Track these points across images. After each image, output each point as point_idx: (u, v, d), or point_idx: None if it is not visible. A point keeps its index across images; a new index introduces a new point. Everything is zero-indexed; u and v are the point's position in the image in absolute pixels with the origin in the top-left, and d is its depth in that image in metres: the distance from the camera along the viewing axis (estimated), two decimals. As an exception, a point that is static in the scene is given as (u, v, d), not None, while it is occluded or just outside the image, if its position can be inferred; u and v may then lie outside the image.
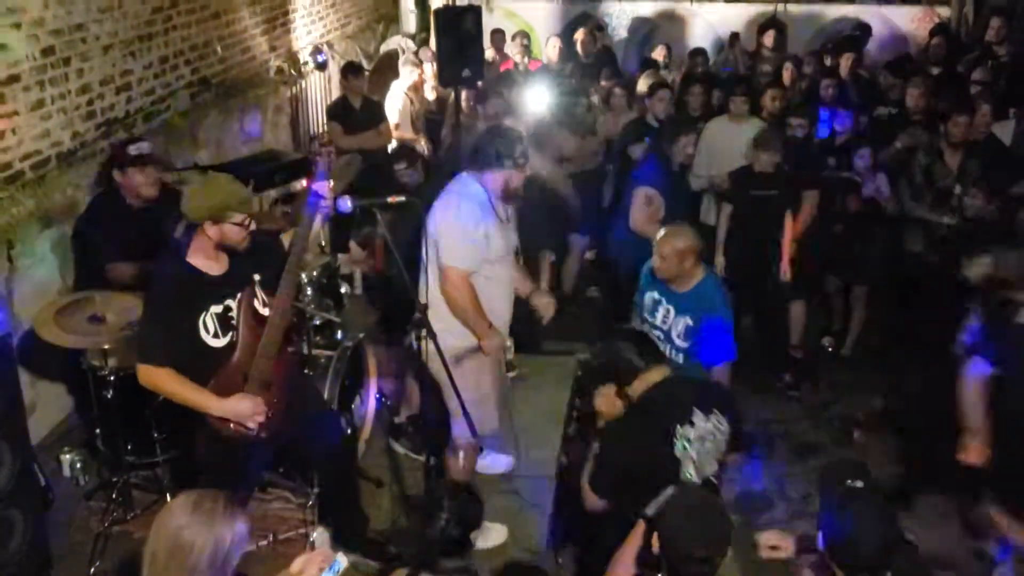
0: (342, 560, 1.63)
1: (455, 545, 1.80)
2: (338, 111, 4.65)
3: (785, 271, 3.68)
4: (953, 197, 3.60)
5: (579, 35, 5.61)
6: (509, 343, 2.61)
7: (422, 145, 4.92)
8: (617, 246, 3.76)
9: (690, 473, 1.92)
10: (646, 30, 6.56)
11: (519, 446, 2.90)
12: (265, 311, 2.18)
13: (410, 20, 6.75)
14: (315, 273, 2.99)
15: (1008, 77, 4.78)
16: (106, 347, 2.51)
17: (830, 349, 4.09)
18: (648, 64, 5.54)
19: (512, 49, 5.62)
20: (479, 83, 4.58)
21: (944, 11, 6.06)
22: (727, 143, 4.04)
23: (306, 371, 2.76)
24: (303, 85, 5.19)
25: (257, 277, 2.19)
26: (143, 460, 2.65)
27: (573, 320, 4.34)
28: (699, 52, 5.43)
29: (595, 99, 4.58)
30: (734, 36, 5.82)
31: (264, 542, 2.50)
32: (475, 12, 4.51)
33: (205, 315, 2.10)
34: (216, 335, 2.11)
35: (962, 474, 2.44)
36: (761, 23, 5.84)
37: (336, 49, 5.62)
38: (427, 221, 2.40)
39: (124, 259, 2.80)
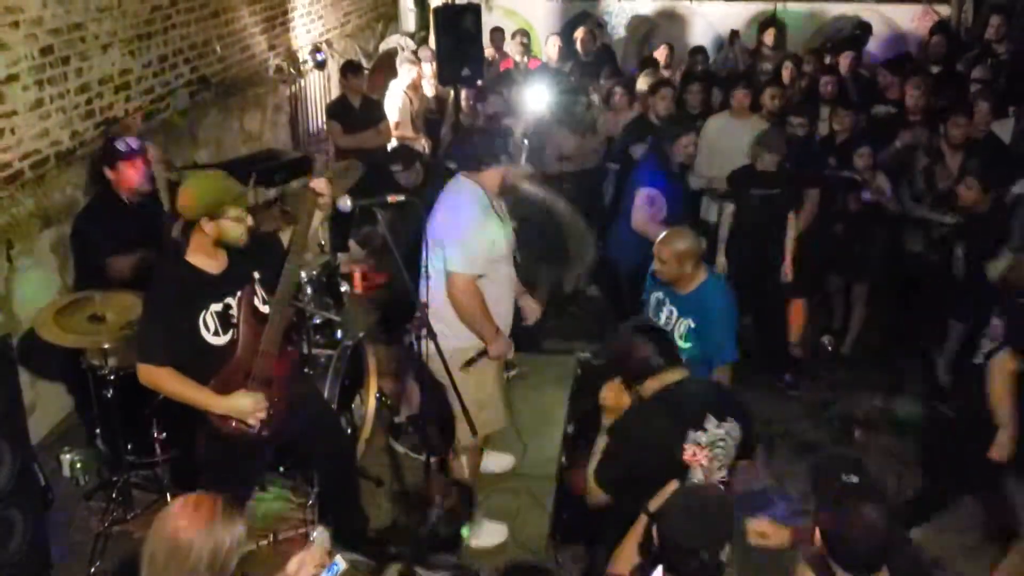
0: (341, 562, 1.63)
1: (445, 542, 1.81)
2: (337, 110, 4.65)
3: (787, 272, 3.68)
4: (954, 197, 3.61)
5: (579, 33, 5.61)
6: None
7: (422, 144, 4.92)
8: (618, 245, 3.76)
9: (699, 478, 1.92)
10: (646, 29, 6.55)
11: (524, 443, 2.90)
12: (265, 309, 2.18)
13: (409, 19, 6.75)
14: (315, 272, 2.99)
15: (1008, 75, 4.78)
16: (106, 346, 2.50)
17: (830, 348, 4.09)
18: (648, 63, 5.54)
19: (511, 48, 5.61)
20: (479, 82, 4.58)
21: (944, 9, 6.05)
22: (728, 141, 4.04)
23: (306, 370, 2.76)
24: (302, 84, 5.18)
25: (257, 275, 2.18)
26: (143, 460, 2.65)
27: (573, 319, 4.35)
28: (699, 50, 5.43)
29: (595, 98, 4.58)
30: (734, 34, 5.82)
31: (264, 542, 2.50)
32: (474, 10, 4.51)
33: (205, 313, 2.10)
34: (216, 333, 2.11)
35: (991, 471, 2.43)
36: (761, 21, 5.84)
37: (335, 48, 5.61)
38: (428, 225, 2.38)
39: (123, 254, 2.79)
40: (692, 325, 2.58)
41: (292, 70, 5.02)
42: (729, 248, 3.71)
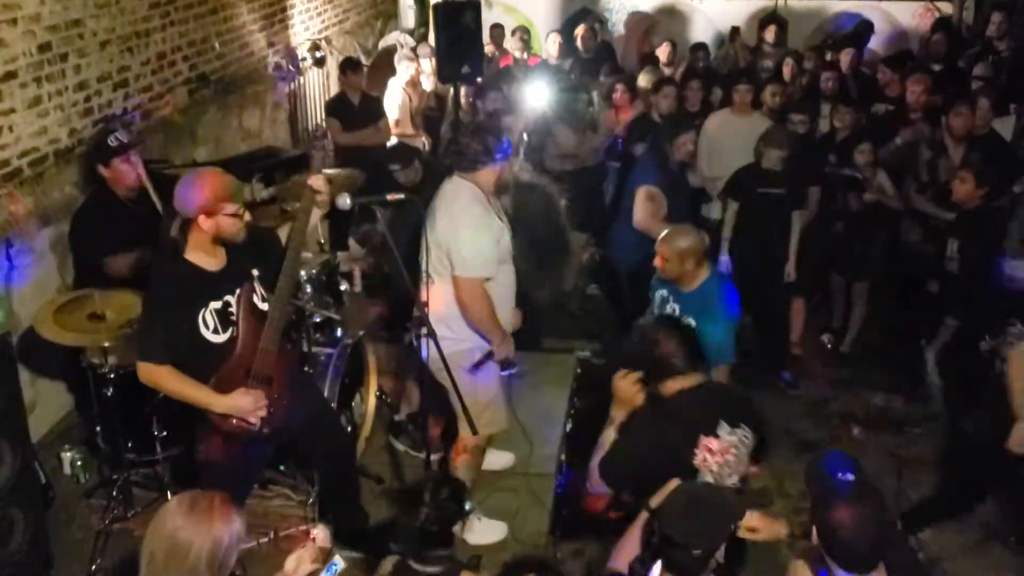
0: (340, 562, 1.63)
1: (437, 538, 1.81)
2: (337, 107, 4.64)
3: (790, 272, 3.68)
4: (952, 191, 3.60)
5: (580, 30, 5.59)
6: None
7: (421, 141, 4.91)
8: (618, 245, 3.76)
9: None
10: (646, 26, 6.53)
11: (531, 440, 2.89)
12: (264, 306, 2.18)
13: (409, 15, 6.72)
14: (315, 271, 2.98)
15: (1009, 72, 4.77)
16: (106, 345, 2.50)
17: (829, 346, 4.09)
18: (648, 60, 5.52)
19: (511, 44, 5.59)
20: (478, 79, 4.56)
21: (945, 6, 6.03)
22: (729, 138, 4.03)
23: (306, 368, 2.76)
24: (301, 81, 5.16)
25: (256, 272, 2.18)
26: (143, 458, 2.65)
27: (573, 318, 4.35)
28: (700, 47, 5.41)
29: (595, 95, 4.57)
30: (734, 31, 5.80)
31: (264, 540, 2.50)
32: (474, 7, 4.48)
33: (205, 311, 2.10)
34: (216, 331, 2.11)
35: (1010, 465, 2.43)
36: (762, 18, 5.82)
37: (334, 45, 5.59)
38: (429, 227, 2.36)
39: (121, 253, 2.78)
40: (693, 323, 2.57)
41: (291, 67, 5.01)
42: (732, 247, 3.70)
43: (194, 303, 2.09)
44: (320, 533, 1.75)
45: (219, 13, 4.26)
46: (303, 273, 2.89)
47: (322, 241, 3.18)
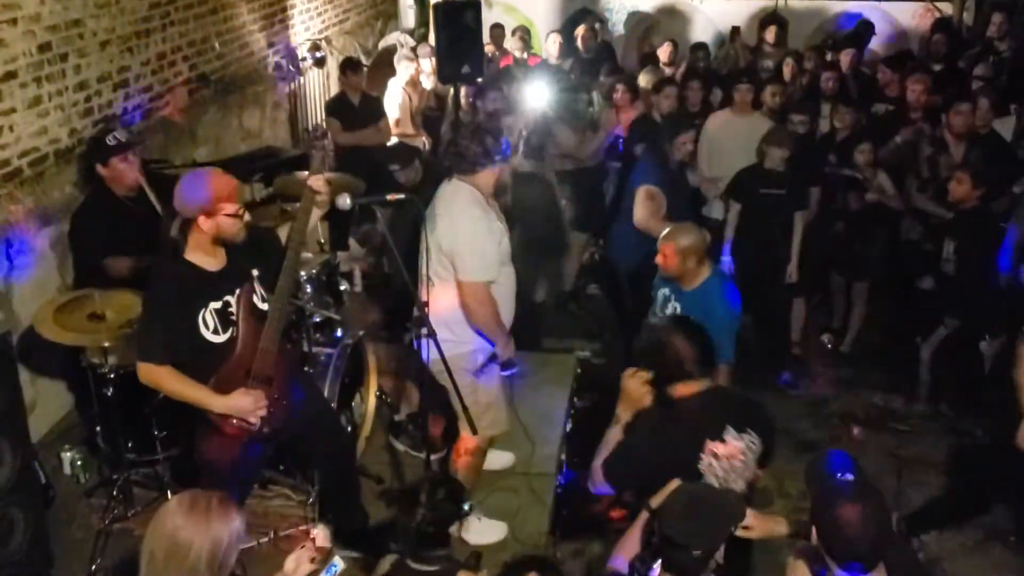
0: (339, 563, 1.63)
1: (432, 539, 1.81)
2: (337, 107, 4.63)
3: (792, 272, 3.67)
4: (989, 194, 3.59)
5: (580, 30, 5.59)
6: None
7: (422, 141, 4.91)
8: (618, 245, 3.76)
9: None
10: (646, 25, 6.53)
11: (532, 440, 2.89)
12: (264, 306, 2.18)
13: (409, 15, 6.72)
14: (315, 270, 2.98)
15: (1009, 73, 4.77)
16: (106, 345, 2.50)
17: (829, 346, 4.10)
18: (648, 60, 5.51)
19: (511, 44, 5.59)
20: (479, 79, 4.57)
21: (945, 7, 6.03)
22: (730, 138, 4.03)
23: (306, 368, 2.76)
24: (301, 81, 5.16)
25: (255, 272, 2.18)
26: (144, 457, 2.65)
27: (573, 318, 4.36)
28: (700, 47, 5.41)
29: (596, 95, 4.57)
30: (735, 31, 5.80)
31: (265, 539, 2.50)
32: (475, 7, 4.48)
33: (205, 311, 2.09)
34: (216, 331, 2.11)
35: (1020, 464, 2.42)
36: (763, 18, 5.82)
37: (334, 45, 5.59)
38: (429, 231, 2.34)
39: (121, 253, 2.78)
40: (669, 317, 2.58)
41: (291, 67, 5.01)
42: (734, 247, 3.70)
43: (194, 303, 2.09)
44: (320, 533, 1.75)
45: (219, 13, 4.26)
46: (303, 273, 2.89)
47: (322, 241, 3.18)
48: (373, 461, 2.95)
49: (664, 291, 2.70)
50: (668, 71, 5.17)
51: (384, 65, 5.45)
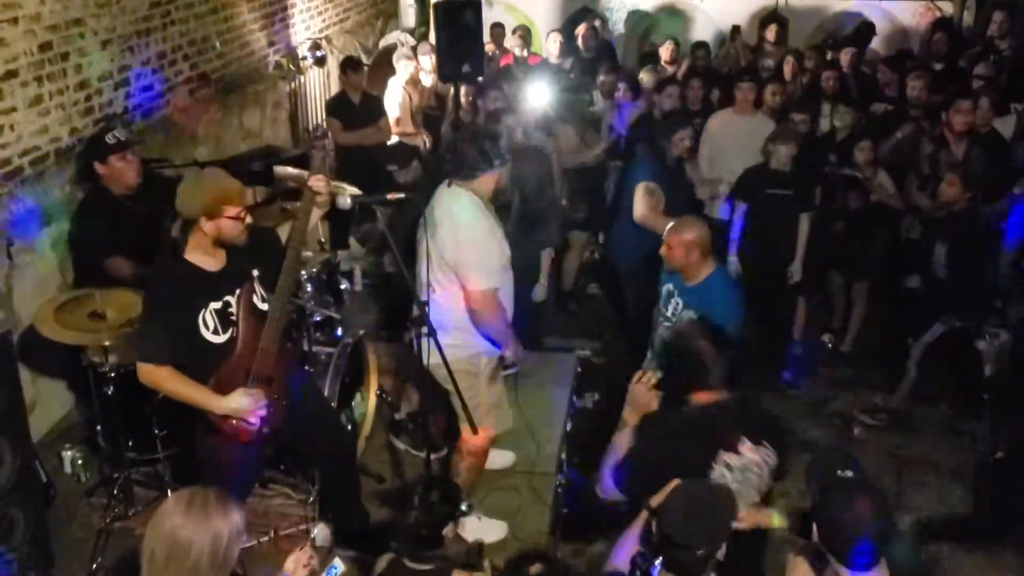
0: (340, 564, 1.63)
1: (426, 540, 1.81)
2: (337, 106, 4.63)
3: (796, 271, 3.68)
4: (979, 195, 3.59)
5: (580, 30, 5.58)
6: None
7: (422, 140, 4.91)
8: (618, 244, 3.76)
9: None
10: (646, 25, 6.53)
11: (537, 440, 2.89)
12: (264, 306, 2.18)
13: (409, 15, 6.72)
14: (315, 269, 2.98)
15: (1010, 72, 4.76)
16: (106, 344, 2.50)
17: (830, 345, 4.09)
18: (648, 59, 5.51)
19: (511, 43, 5.59)
20: (479, 78, 4.57)
21: (946, 6, 6.02)
22: (732, 137, 4.03)
23: (306, 368, 2.77)
24: (302, 80, 5.16)
25: (256, 272, 2.18)
26: (144, 456, 2.65)
27: (573, 317, 4.35)
28: (701, 45, 5.40)
29: (596, 95, 4.56)
30: (735, 30, 5.79)
31: (265, 539, 2.50)
32: (475, 6, 4.48)
33: (204, 312, 2.10)
34: (216, 331, 2.11)
35: None
36: (763, 17, 5.81)
37: (335, 44, 5.59)
38: (429, 237, 2.33)
39: (121, 253, 2.79)
40: (694, 317, 2.58)
41: (291, 67, 5.01)
42: (740, 247, 3.70)
43: (194, 304, 2.09)
44: (320, 532, 1.75)
45: (219, 13, 4.25)
46: (303, 272, 2.89)
47: (322, 240, 3.18)
48: (374, 460, 2.95)
49: (668, 286, 2.70)
50: (670, 69, 5.17)
51: (384, 64, 5.45)
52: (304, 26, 5.25)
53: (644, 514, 1.77)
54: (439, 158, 4.51)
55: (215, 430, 2.15)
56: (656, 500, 1.75)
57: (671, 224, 2.62)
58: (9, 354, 2.32)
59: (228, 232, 2.08)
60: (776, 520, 1.88)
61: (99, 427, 2.68)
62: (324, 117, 4.93)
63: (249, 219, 2.11)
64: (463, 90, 4.55)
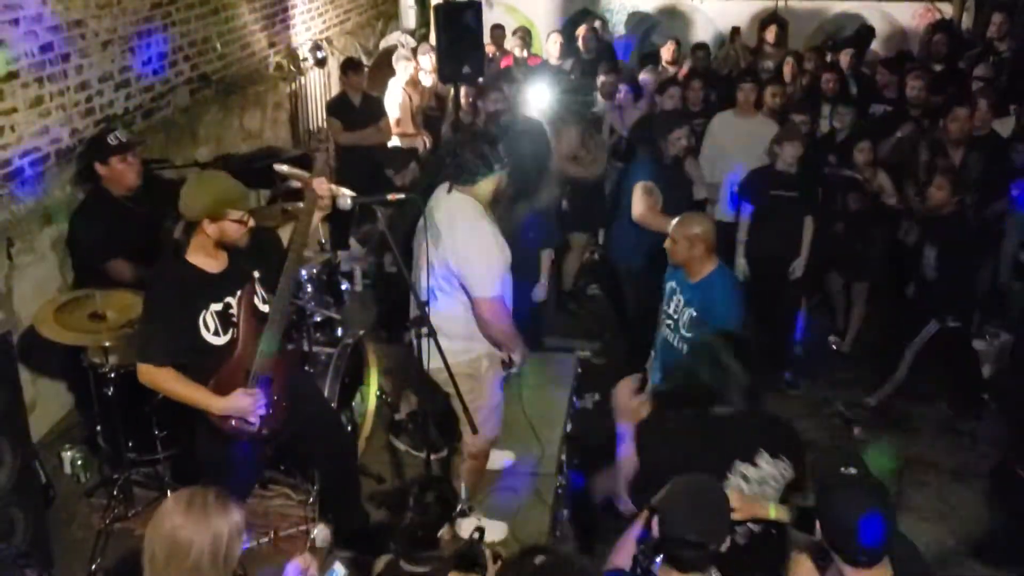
0: (340, 568, 1.62)
1: (421, 541, 1.81)
2: (338, 107, 4.64)
3: (799, 268, 3.68)
4: (968, 199, 3.61)
5: (581, 31, 5.59)
6: None
7: (422, 140, 4.91)
8: (617, 245, 3.77)
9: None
10: (646, 26, 6.54)
11: (541, 441, 2.89)
12: (265, 308, 2.18)
13: (410, 16, 6.73)
14: (315, 270, 2.98)
15: (1009, 73, 4.77)
16: (107, 344, 2.50)
17: (835, 347, 4.10)
18: (648, 60, 5.52)
19: (512, 44, 5.60)
20: (479, 79, 4.57)
21: (945, 7, 6.03)
22: (733, 139, 4.03)
23: (306, 368, 2.77)
24: (302, 81, 5.17)
25: (257, 274, 2.19)
26: (144, 457, 2.65)
27: (574, 318, 4.36)
28: (701, 46, 5.41)
29: (597, 96, 4.57)
30: (735, 31, 5.80)
31: (265, 539, 2.50)
32: (475, 7, 4.49)
33: (205, 313, 2.10)
34: (217, 333, 2.11)
35: None
36: (763, 19, 5.82)
37: (335, 45, 5.60)
38: (431, 242, 2.33)
39: (121, 254, 2.79)
40: (694, 314, 2.58)
41: (292, 67, 5.01)
42: (746, 248, 3.71)
43: (195, 305, 2.10)
44: (320, 533, 1.75)
45: (220, 14, 4.26)
46: (303, 272, 2.89)
47: (323, 240, 3.19)
48: (374, 461, 2.95)
49: (671, 283, 2.71)
50: (671, 70, 5.17)
51: (385, 65, 5.46)
52: (305, 27, 5.25)
53: (643, 514, 1.76)
54: (438, 160, 4.51)
55: (215, 431, 2.15)
56: (655, 498, 1.75)
57: (678, 218, 2.63)
58: (9, 354, 2.32)
59: (231, 235, 2.08)
60: (773, 511, 1.87)
61: (99, 428, 2.68)
62: (324, 118, 4.94)
63: (252, 222, 2.11)
64: (463, 91, 4.55)
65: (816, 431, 3.53)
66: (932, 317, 3.48)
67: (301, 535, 2.52)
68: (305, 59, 5.18)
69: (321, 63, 5.26)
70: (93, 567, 2.48)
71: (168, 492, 2.53)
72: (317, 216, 2.27)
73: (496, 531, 2.63)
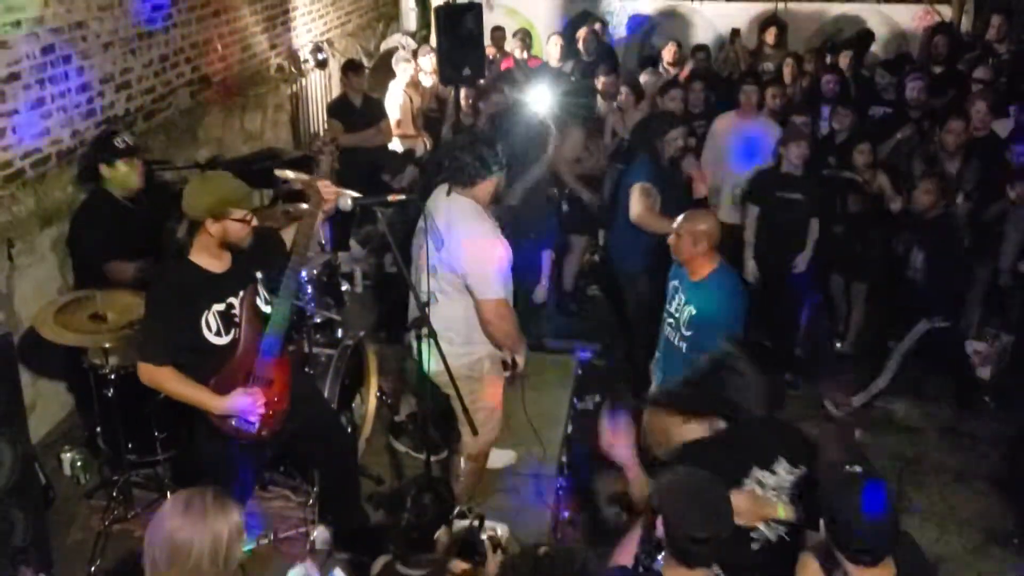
0: (340, 572, 1.62)
1: (418, 543, 1.80)
2: (339, 109, 4.65)
3: (802, 262, 3.67)
4: (956, 206, 3.63)
5: (581, 33, 5.60)
6: None
7: (423, 142, 4.91)
8: (616, 246, 3.77)
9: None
10: (647, 28, 6.55)
11: (543, 442, 2.89)
12: (267, 309, 2.19)
13: (410, 18, 6.74)
14: (315, 271, 2.99)
15: (1009, 75, 4.78)
16: (107, 345, 2.50)
17: (839, 346, 4.10)
18: (648, 61, 5.52)
19: (512, 46, 5.61)
20: (480, 81, 4.58)
21: (945, 9, 6.05)
22: (736, 140, 4.03)
23: (307, 369, 2.76)
24: (303, 83, 5.18)
25: (259, 275, 2.19)
26: (144, 458, 2.65)
27: (574, 318, 4.35)
28: (701, 48, 5.42)
29: (599, 99, 4.57)
30: (735, 33, 5.82)
31: (265, 541, 2.50)
32: (476, 10, 4.50)
33: (207, 313, 2.10)
34: (219, 333, 2.11)
35: None
36: (762, 21, 5.83)
37: (336, 47, 5.61)
38: (431, 244, 2.32)
39: (122, 256, 2.79)
40: (694, 312, 2.58)
41: (293, 69, 5.02)
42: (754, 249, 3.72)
43: (197, 305, 2.10)
44: (320, 535, 1.75)
45: (221, 16, 4.27)
46: (304, 274, 2.89)
47: (323, 241, 3.19)
48: (374, 462, 2.95)
49: (674, 282, 2.71)
50: (672, 71, 5.18)
51: (386, 67, 5.47)
52: (306, 29, 5.26)
53: (645, 516, 1.76)
54: (437, 161, 4.51)
55: (215, 431, 2.15)
56: (654, 500, 1.74)
57: (684, 214, 2.63)
58: (9, 355, 2.32)
59: (234, 234, 2.08)
60: (782, 511, 1.86)
61: (99, 429, 2.68)
62: (325, 119, 4.95)
63: (255, 222, 2.11)
64: (463, 93, 4.56)
65: (815, 431, 3.52)
66: (921, 318, 3.48)
67: (301, 537, 2.52)
68: (306, 61, 5.18)
69: (322, 65, 5.27)
70: (92, 568, 2.48)
71: (168, 494, 2.54)
72: (320, 217, 2.27)
73: (497, 532, 2.63)
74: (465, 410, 2.31)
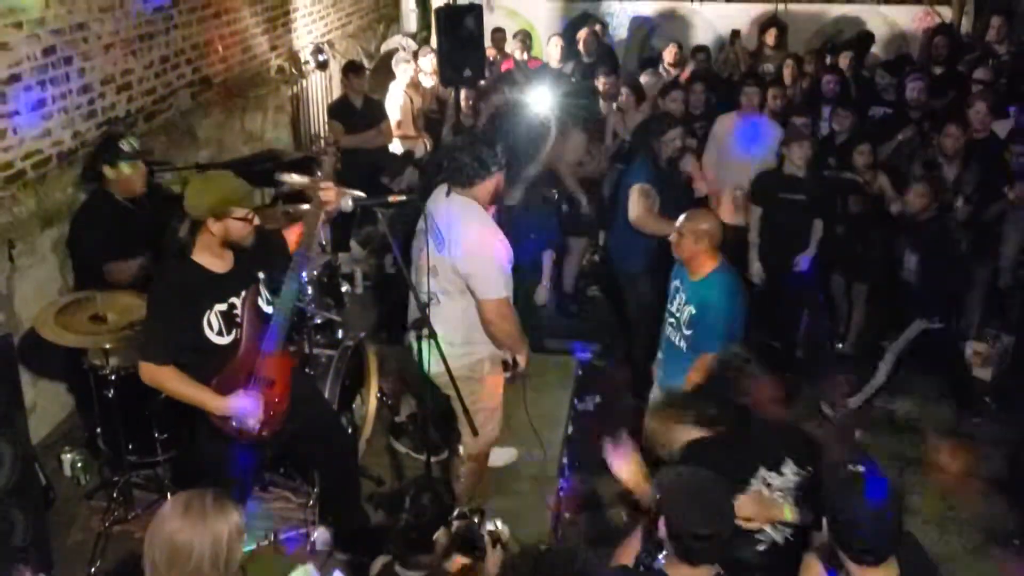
0: (339, 575, 1.61)
1: (417, 544, 1.80)
2: (339, 110, 4.65)
3: (802, 261, 3.68)
4: (955, 209, 3.63)
5: (582, 34, 5.61)
6: None
7: (423, 143, 4.92)
8: (616, 247, 3.77)
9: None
10: (647, 29, 6.56)
11: (543, 443, 2.89)
12: (269, 309, 2.19)
13: (411, 19, 6.75)
14: (316, 272, 2.99)
15: (1008, 76, 4.78)
16: (107, 346, 2.50)
17: (840, 346, 4.10)
18: (648, 63, 5.53)
19: (512, 47, 5.62)
20: (480, 82, 4.59)
21: (945, 10, 6.05)
22: (737, 141, 4.03)
23: (307, 370, 2.76)
24: (304, 84, 5.19)
25: (261, 275, 2.19)
26: (144, 459, 2.65)
27: (574, 319, 4.36)
28: (701, 49, 5.42)
29: (601, 102, 4.57)
30: (735, 34, 5.82)
31: (265, 542, 2.50)
32: (476, 11, 4.51)
33: (209, 313, 2.10)
34: (220, 333, 2.11)
35: None
36: (762, 22, 5.84)
37: (337, 48, 5.62)
38: (432, 245, 2.33)
39: (122, 257, 2.79)
40: (694, 312, 2.58)
41: (294, 70, 5.03)
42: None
43: (199, 304, 2.10)
44: (320, 536, 1.74)
45: (222, 17, 4.28)
46: (304, 275, 2.89)
47: (323, 242, 3.19)
48: (374, 463, 2.94)
49: (676, 282, 2.71)
50: (673, 72, 5.18)
51: (386, 69, 5.47)
52: (306, 30, 5.27)
53: (646, 516, 1.76)
54: (436, 162, 4.51)
55: (216, 431, 2.15)
56: (656, 500, 1.74)
57: (686, 212, 2.64)
58: (9, 356, 2.32)
59: (236, 233, 2.08)
60: (788, 512, 1.86)
61: (99, 430, 2.68)
62: (326, 121, 4.95)
63: (257, 221, 2.11)
64: (463, 94, 4.57)
65: (815, 431, 3.52)
66: (915, 319, 3.49)
67: (301, 538, 2.52)
68: (307, 62, 5.19)
69: (323, 66, 5.27)
70: (92, 569, 2.47)
71: (168, 495, 2.54)
72: (322, 218, 2.27)
73: (498, 526, 2.62)
74: (465, 411, 2.31)
